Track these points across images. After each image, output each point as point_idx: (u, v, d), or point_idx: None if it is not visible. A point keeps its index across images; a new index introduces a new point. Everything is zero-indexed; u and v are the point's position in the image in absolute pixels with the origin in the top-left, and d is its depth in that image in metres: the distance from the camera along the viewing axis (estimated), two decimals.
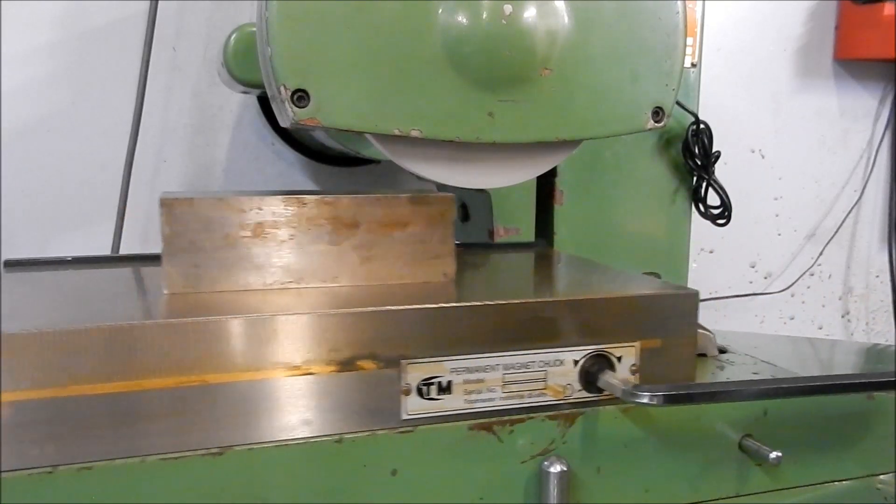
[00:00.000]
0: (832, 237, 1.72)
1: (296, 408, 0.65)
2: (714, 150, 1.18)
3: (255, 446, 0.63)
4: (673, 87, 0.83)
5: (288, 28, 0.70)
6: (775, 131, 1.64)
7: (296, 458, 0.64)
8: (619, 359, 0.72)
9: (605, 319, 0.72)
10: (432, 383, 0.67)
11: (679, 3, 0.82)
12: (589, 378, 0.72)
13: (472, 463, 0.68)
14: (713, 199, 1.20)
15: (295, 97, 0.70)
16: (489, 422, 0.68)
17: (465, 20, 0.73)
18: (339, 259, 0.75)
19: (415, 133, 0.75)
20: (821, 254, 1.71)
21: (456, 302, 0.69)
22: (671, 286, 0.79)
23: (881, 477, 0.82)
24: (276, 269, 0.73)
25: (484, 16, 0.73)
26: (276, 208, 0.73)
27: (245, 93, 1.09)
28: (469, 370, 0.68)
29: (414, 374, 0.66)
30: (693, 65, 1.19)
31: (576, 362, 0.71)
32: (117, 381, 0.60)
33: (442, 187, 0.83)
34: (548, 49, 0.76)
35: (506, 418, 0.69)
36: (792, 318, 1.73)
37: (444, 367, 0.67)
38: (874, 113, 1.72)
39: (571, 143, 0.84)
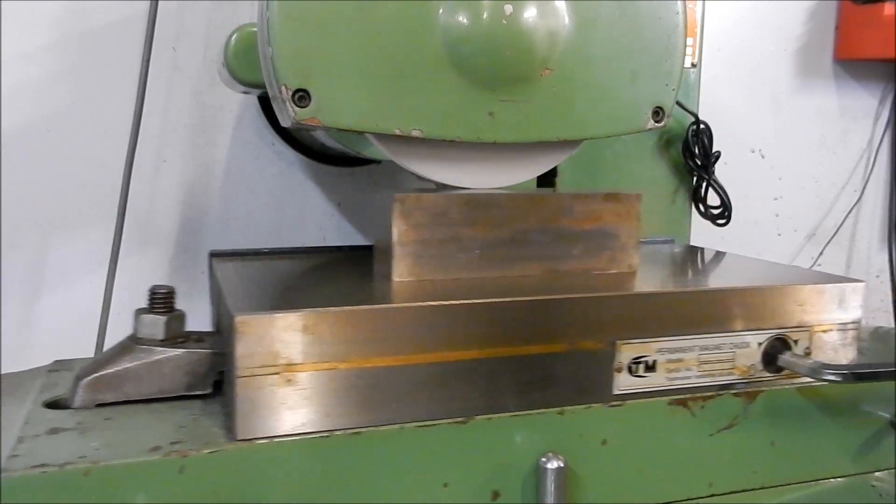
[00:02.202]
0: (832, 237, 1.71)
1: (520, 384, 0.71)
2: (714, 150, 1.18)
3: (493, 416, 0.70)
4: (673, 87, 0.83)
5: (289, 28, 0.70)
6: (775, 131, 1.64)
7: (519, 427, 0.70)
8: (795, 342, 0.80)
9: (785, 306, 0.79)
10: (640, 362, 0.74)
11: (679, 3, 0.82)
12: (768, 359, 0.79)
13: (669, 435, 0.75)
14: (713, 199, 1.20)
15: (296, 97, 0.70)
16: (685, 398, 0.76)
17: (465, 20, 0.73)
18: (545, 249, 0.82)
19: (415, 133, 0.75)
20: (821, 254, 1.71)
21: (662, 289, 0.78)
22: (838, 277, 0.86)
23: None
24: (492, 258, 0.80)
25: (484, 16, 0.73)
26: (493, 204, 0.80)
27: (246, 93, 1.09)
28: (671, 350, 0.75)
29: (626, 353, 0.74)
30: (693, 65, 1.19)
31: (759, 344, 0.79)
32: (383, 357, 0.67)
33: (443, 187, 0.83)
34: (548, 49, 0.76)
35: (699, 395, 0.76)
36: None
37: (651, 348, 0.75)
38: (874, 113, 1.72)
39: (571, 143, 0.84)
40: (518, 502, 0.70)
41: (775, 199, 1.67)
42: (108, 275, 1.04)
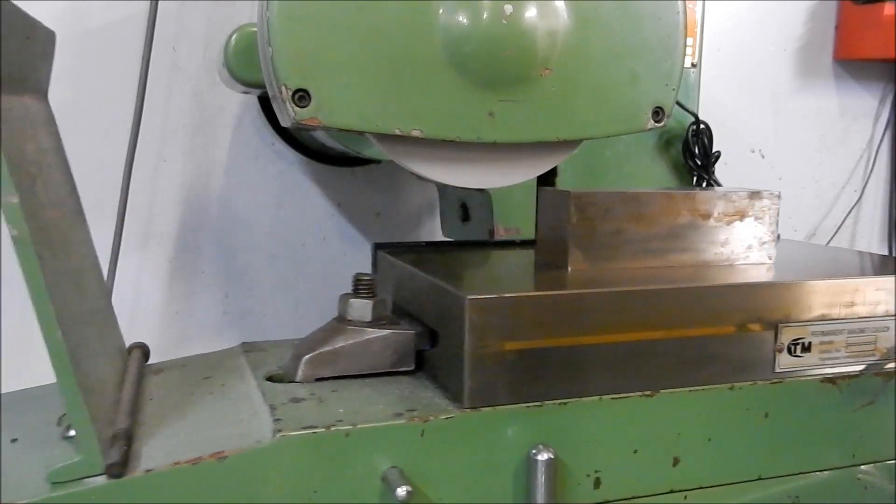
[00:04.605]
0: (832, 237, 1.71)
1: (693, 362, 0.79)
2: (714, 150, 1.18)
3: (675, 391, 0.78)
4: (673, 86, 0.84)
5: (289, 28, 0.70)
6: (775, 131, 1.64)
7: (695, 401, 0.79)
8: None
9: None
10: (798, 343, 0.83)
11: (679, 3, 0.82)
12: None
13: (821, 409, 0.84)
14: None
15: (296, 97, 0.70)
16: (835, 375, 0.84)
17: (465, 20, 0.73)
18: (696, 243, 0.90)
19: (415, 133, 0.75)
20: None
21: (817, 279, 0.84)
22: None
23: None
24: (649, 251, 0.88)
25: (484, 16, 0.73)
26: (651, 201, 0.88)
27: (246, 93, 1.09)
28: (824, 333, 0.84)
29: (787, 335, 0.82)
30: (693, 65, 1.19)
31: None
32: (584, 336, 0.75)
33: (444, 187, 0.83)
34: (548, 49, 0.76)
35: (846, 373, 0.84)
36: None
37: (807, 331, 0.83)
38: (874, 113, 1.72)
39: (571, 143, 0.84)
40: (693, 468, 0.79)
41: None
42: (108, 275, 1.04)
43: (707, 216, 0.90)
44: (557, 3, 0.76)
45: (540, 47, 0.76)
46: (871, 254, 1.06)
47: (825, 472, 0.86)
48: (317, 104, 0.71)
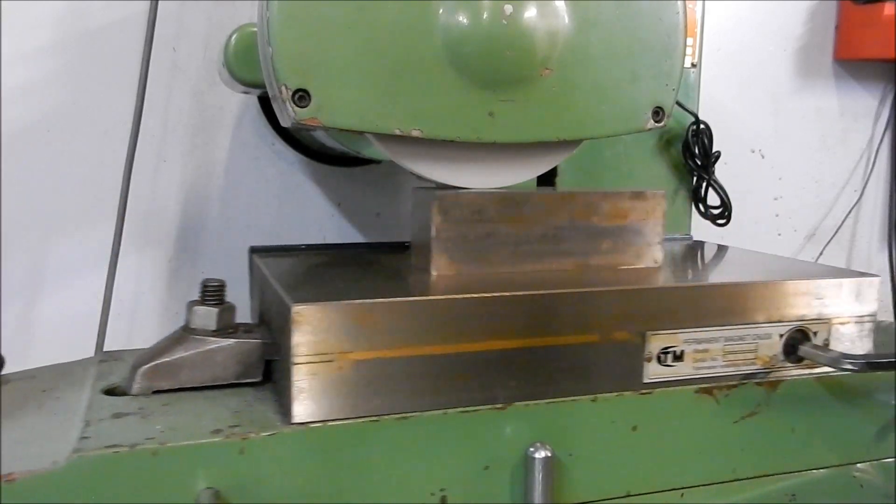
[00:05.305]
0: (832, 237, 1.71)
1: (555, 373, 0.74)
2: (714, 150, 1.18)
3: (530, 403, 0.73)
4: (673, 86, 0.84)
5: (289, 28, 0.70)
6: (775, 131, 1.64)
7: (553, 414, 0.74)
8: (815, 333, 0.83)
9: (806, 299, 0.83)
10: (669, 352, 0.78)
11: (679, 3, 0.82)
12: (789, 350, 0.82)
13: (696, 421, 0.79)
14: (713, 199, 1.20)
15: (296, 97, 0.70)
16: (711, 386, 0.79)
17: (465, 20, 0.73)
18: (575, 245, 0.85)
19: (415, 133, 0.75)
20: (821, 254, 1.71)
21: (691, 283, 0.81)
22: (854, 272, 0.89)
23: None
24: (526, 254, 0.83)
25: (484, 16, 0.73)
26: (525, 202, 0.83)
27: (246, 93, 1.09)
28: (698, 341, 0.79)
29: (656, 343, 0.77)
30: (693, 65, 1.19)
31: (780, 336, 0.82)
32: (427, 346, 0.70)
33: (444, 187, 0.83)
34: (548, 49, 0.76)
35: (723, 384, 0.80)
36: None
37: (679, 339, 0.78)
38: (874, 113, 1.72)
39: (571, 143, 0.84)
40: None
41: (775, 199, 1.67)
42: (108, 275, 1.04)
43: (587, 217, 0.85)
44: (557, 3, 0.76)
45: (540, 47, 0.76)
46: (806, 262, 1.02)
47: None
48: (317, 104, 0.71)
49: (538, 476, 0.71)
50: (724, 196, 1.19)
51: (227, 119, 1.24)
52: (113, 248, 1.06)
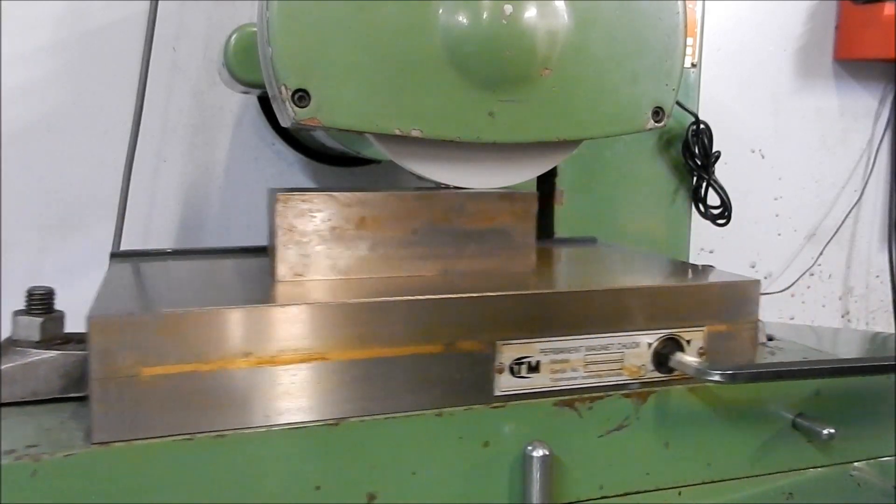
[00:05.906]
0: (832, 237, 1.72)
1: (400, 383, 0.69)
2: (714, 150, 1.18)
3: (366, 419, 0.68)
4: (673, 86, 0.83)
5: (289, 28, 0.70)
6: (775, 131, 1.64)
7: (400, 429, 0.68)
8: (688, 342, 0.78)
9: (677, 306, 0.77)
10: (523, 363, 0.73)
11: (679, 3, 0.82)
12: (660, 360, 0.77)
13: (556, 436, 0.73)
14: (713, 199, 1.20)
15: (296, 97, 0.70)
16: (572, 399, 0.74)
17: (465, 20, 0.73)
18: (435, 250, 0.80)
19: (415, 133, 0.75)
20: (821, 254, 1.71)
21: (546, 289, 0.75)
22: (734, 275, 0.83)
23: None
24: (377, 259, 0.79)
25: (484, 16, 0.73)
26: (377, 203, 0.78)
27: (245, 93, 1.09)
28: (556, 351, 0.74)
29: (507, 354, 0.72)
30: (693, 65, 1.19)
31: (649, 345, 0.77)
32: (245, 359, 0.65)
33: (443, 187, 0.83)
34: (548, 49, 0.76)
35: (586, 396, 0.74)
36: (792, 318, 1.74)
37: (534, 349, 0.73)
38: (874, 113, 1.72)
39: (571, 143, 0.84)
40: (391, 502, 0.69)
41: (775, 199, 1.67)
42: None
43: (450, 220, 0.80)
44: (557, 3, 0.76)
45: (540, 47, 0.76)
46: (690, 264, 0.92)
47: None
48: (317, 104, 0.71)
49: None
50: (724, 196, 1.19)
51: (227, 119, 1.24)
52: (113, 248, 1.06)
